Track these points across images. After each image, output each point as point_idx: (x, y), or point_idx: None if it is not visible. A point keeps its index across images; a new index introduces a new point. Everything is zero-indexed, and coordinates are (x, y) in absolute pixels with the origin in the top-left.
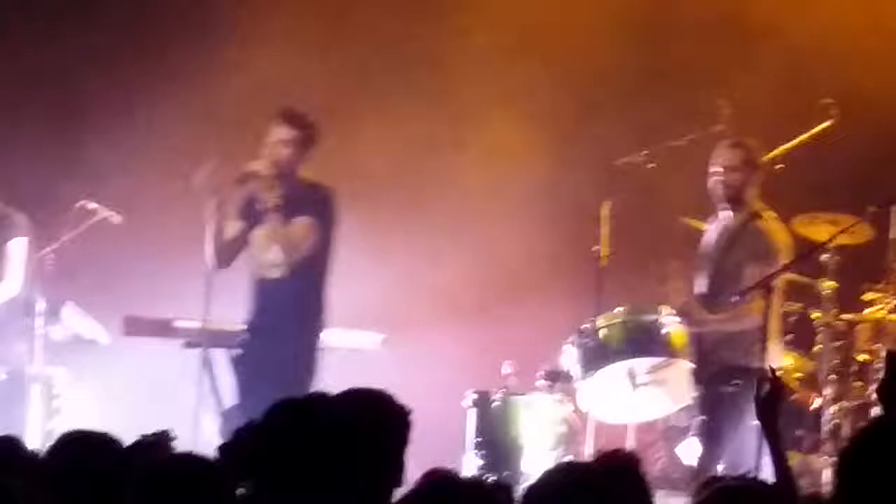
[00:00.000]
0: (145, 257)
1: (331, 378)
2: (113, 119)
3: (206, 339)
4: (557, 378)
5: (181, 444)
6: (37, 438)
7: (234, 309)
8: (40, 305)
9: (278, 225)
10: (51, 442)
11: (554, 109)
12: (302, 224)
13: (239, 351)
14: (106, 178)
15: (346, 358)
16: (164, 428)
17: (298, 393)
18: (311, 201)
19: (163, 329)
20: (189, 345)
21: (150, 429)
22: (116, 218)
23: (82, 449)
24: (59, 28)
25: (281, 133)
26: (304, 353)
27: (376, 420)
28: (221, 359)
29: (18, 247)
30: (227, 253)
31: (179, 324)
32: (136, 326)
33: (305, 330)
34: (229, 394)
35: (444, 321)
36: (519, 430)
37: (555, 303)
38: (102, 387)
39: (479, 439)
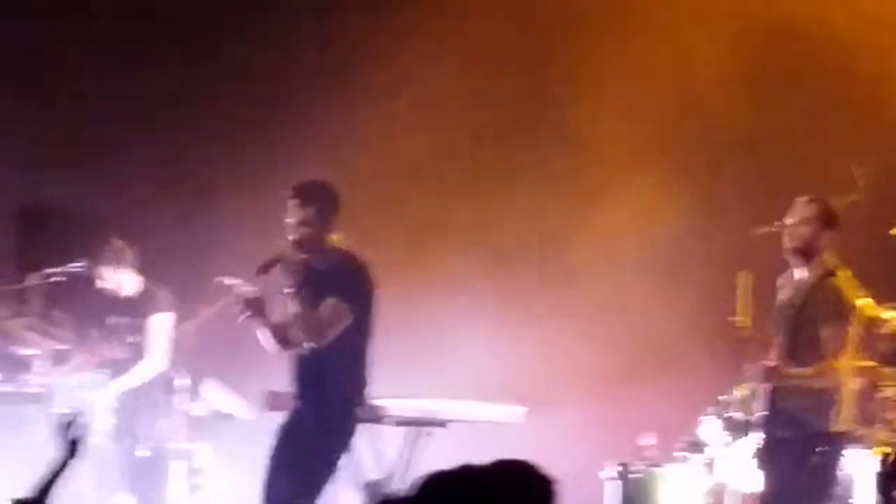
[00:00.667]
0: None
1: (471, 451)
2: (246, 202)
3: None
4: (697, 449)
5: None
6: None
7: (376, 383)
8: (182, 381)
9: (302, 310)
10: None
11: (690, 174)
12: (327, 307)
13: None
14: (243, 255)
15: (486, 431)
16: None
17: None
18: (337, 278)
19: None
20: None
21: None
22: (254, 293)
23: None
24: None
25: (296, 212)
26: (320, 425)
27: (523, 490)
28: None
29: (162, 323)
30: (279, 336)
31: None
32: (279, 401)
33: (322, 403)
34: (369, 466)
35: (581, 392)
36: (659, 501)
37: (694, 374)
38: (244, 462)
39: None
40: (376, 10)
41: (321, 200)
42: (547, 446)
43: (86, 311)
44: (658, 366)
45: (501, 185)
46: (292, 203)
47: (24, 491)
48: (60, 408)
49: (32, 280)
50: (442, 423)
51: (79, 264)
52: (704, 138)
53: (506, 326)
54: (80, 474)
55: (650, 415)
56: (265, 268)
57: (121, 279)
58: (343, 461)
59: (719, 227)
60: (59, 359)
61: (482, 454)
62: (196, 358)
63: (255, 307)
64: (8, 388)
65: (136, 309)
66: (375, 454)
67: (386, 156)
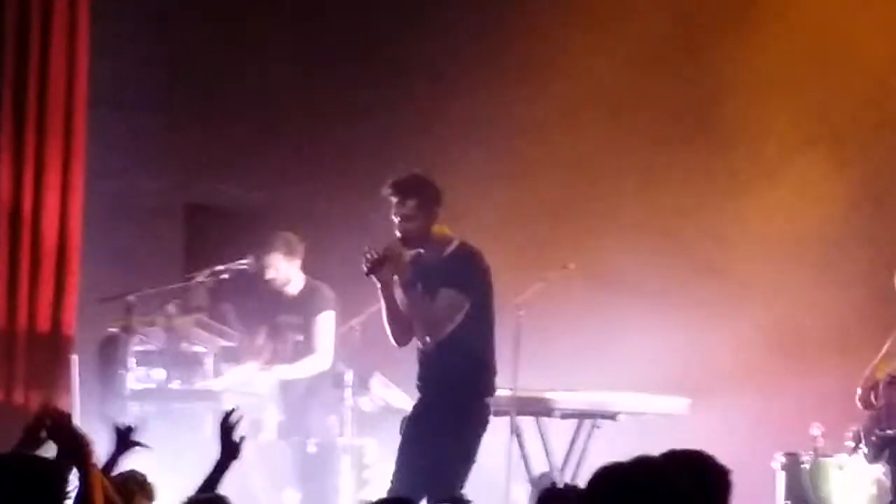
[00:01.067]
0: None
1: (638, 444)
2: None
3: (515, 406)
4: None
5: None
6: None
7: (542, 376)
8: (349, 377)
9: (416, 304)
10: None
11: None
12: (442, 299)
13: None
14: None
15: (652, 423)
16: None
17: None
18: (448, 269)
19: None
20: (497, 413)
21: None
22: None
23: None
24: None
25: (397, 208)
26: (449, 417)
27: (699, 481)
28: (531, 427)
29: (327, 320)
30: (397, 331)
31: None
32: None
33: (450, 396)
34: (537, 460)
35: (748, 383)
36: (830, 491)
37: (863, 362)
38: None
39: (789, 501)
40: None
41: (420, 193)
42: (714, 437)
43: (255, 308)
44: (826, 356)
45: (665, 181)
46: (392, 200)
47: (192, 489)
48: (229, 405)
49: (200, 277)
50: (610, 416)
51: (245, 261)
52: (860, 124)
53: (671, 319)
54: (249, 470)
55: (818, 405)
56: (374, 267)
57: (290, 273)
58: (507, 454)
59: (883, 216)
60: (227, 356)
61: (649, 446)
62: (362, 354)
63: (379, 263)
64: (177, 385)
65: (302, 307)
66: (544, 447)
67: (558, 149)
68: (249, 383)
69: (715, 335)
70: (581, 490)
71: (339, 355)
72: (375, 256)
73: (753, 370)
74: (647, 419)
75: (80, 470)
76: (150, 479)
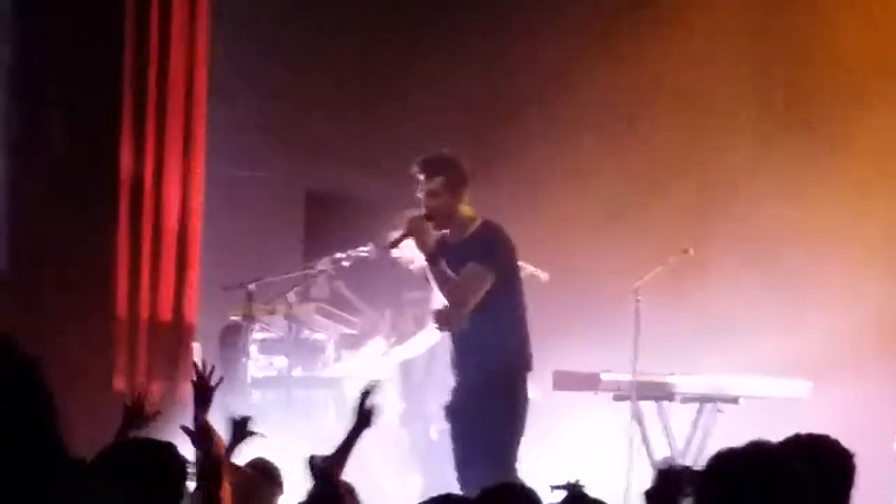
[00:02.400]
0: (573, 311)
1: (759, 427)
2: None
3: (636, 391)
4: None
5: (614, 499)
6: None
7: (663, 360)
8: None
9: (441, 279)
10: None
11: None
12: (466, 272)
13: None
14: (536, 236)
15: (773, 406)
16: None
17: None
18: (473, 246)
19: (592, 383)
20: (618, 397)
21: (582, 481)
22: (544, 275)
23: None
24: None
25: (424, 184)
26: (486, 393)
27: (822, 466)
28: (651, 411)
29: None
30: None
31: (608, 377)
32: (566, 381)
33: (483, 373)
34: (659, 443)
35: (869, 366)
36: None
37: None
38: (532, 442)
39: None
40: None
41: (447, 171)
42: (836, 421)
43: (377, 291)
44: None
45: (779, 167)
46: (419, 177)
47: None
48: (350, 392)
49: (321, 265)
50: (731, 400)
51: (366, 248)
52: None
53: (792, 302)
54: (369, 455)
55: None
56: (395, 243)
57: (416, 251)
58: (629, 439)
59: None
60: (349, 343)
61: (770, 430)
62: None
63: (402, 238)
64: (298, 373)
65: (426, 283)
66: (665, 431)
67: (674, 134)
68: (370, 370)
69: (837, 317)
70: (696, 472)
71: None
72: (400, 232)
73: (876, 352)
74: (769, 402)
75: (204, 454)
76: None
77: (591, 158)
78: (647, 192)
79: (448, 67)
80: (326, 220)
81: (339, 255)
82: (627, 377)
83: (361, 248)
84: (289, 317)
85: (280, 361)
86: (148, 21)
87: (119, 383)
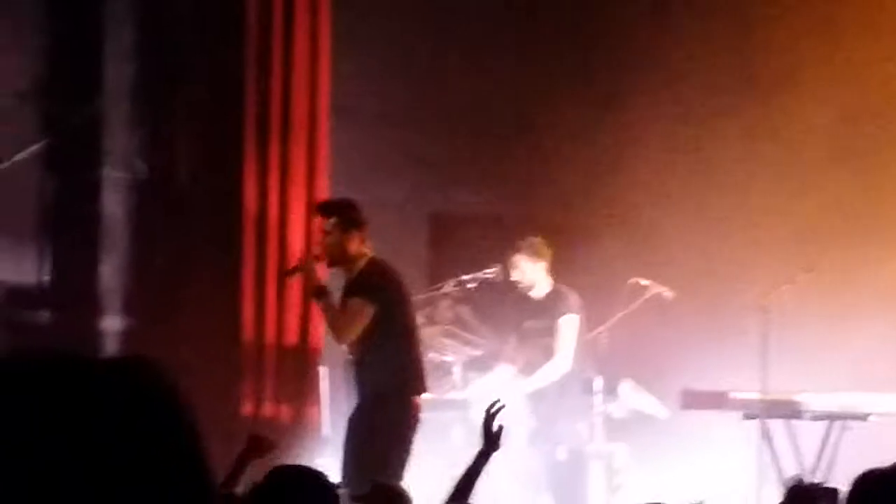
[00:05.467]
0: (699, 330)
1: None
2: (663, 211)
3: (764, 409)
4: None
5: None
6: None
7: (792, 378)
8: (598, 383)
9: (330, 310)
10: None
11: None
12: (349, 307)
13: None
14: (657, 261)
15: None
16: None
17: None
18: (357, 282)
19: (720, 401)
20: (747, 416)
21: (709, 501)
22: (669, 294)
23: None
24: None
25: (320, 223)
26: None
27: None
28: (781, 429)
29: (570, 324)
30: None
31: (736, 395)
32: (694, 399)
33: (371, 395)
34: (788, 462)
35: None
36: None
37: None
38: (660, 460)
39: None
40: None
41: (340, 213)
42: None
43: (502, 315)
44: None
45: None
46: (318, 218)
47: (444, 492)
48: (478, 413)
49: (446, 288)
50: (861, 417)
51: (491, 270)
52: None
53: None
54: (498, 477)
55: None
56: (287, 272)
57: (536, 276)
58: (758, 457)
59: None
60: (475, 365)
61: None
62: (611, 360)
63: (292, 271)
64: (427, 395)
65: (548, 311)
66: (794, 450)
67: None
68: (498, 392)
69: None
70: (828, 489)
71: (587, 361)
72: (293, 265)
73: None
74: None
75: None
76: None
77: (724, 174)
78: (775, 207)
79: (569, 93)
80: (451, 243)
81: (464, 277)
82: (756, 395)
83: (487, 271)
84: None
85: None
86: (270, 48)
87: (247, 408)
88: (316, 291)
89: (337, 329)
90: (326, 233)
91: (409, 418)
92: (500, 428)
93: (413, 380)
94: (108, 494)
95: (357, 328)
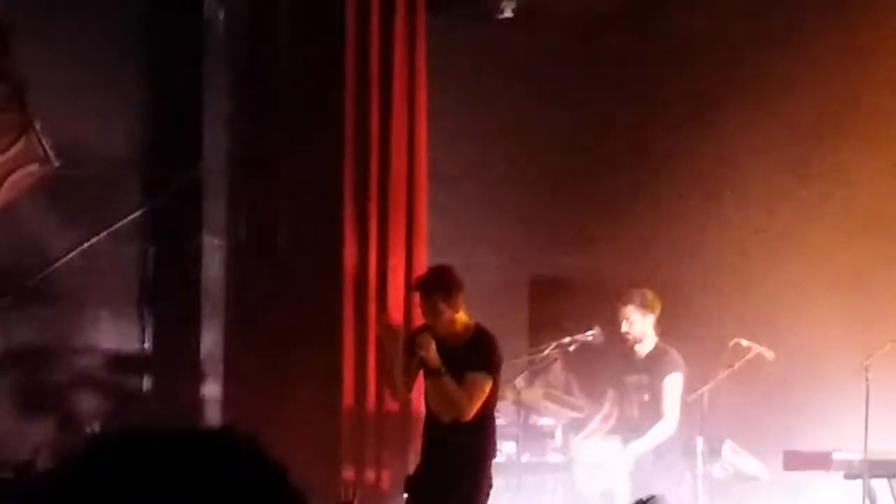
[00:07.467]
0: (801, 389)
1: None
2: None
3: (867, 469)
4: None
5: None
6: None
7: (894, 438)
8: (699, 444)
9: (444, 384)
10: None
11: None
12: (473, 383)
13: None
14: (755, 320)
15: None
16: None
17: None
18: (474, 354)
19: (822, 461)
20: (849, 476)
21: None
22: (770, 354)
23: None
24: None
25: (423, 302)
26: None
27: None
28: (884, 489)
29: (675, 383)
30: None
31: (839, 455)
32: (796, 460)
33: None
34: None
35: None
36: None
37: None
38: None
39: None
40: None
41: (440, 286)
42: None
43: (603, 371)
44: None
45: None
46: (417, 294)
47: None
48: (580, 477)
49: (547, 350)
50: None
51: (592, 332)
52: None
53: None
54: None
55: None
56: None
57: (644, 329)
58: None
59: None
60: (576, 427)
61: None
62: (711, 420)
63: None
64: (527, 458)
65: (651, 368)
66: None
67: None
68: (599, 454)
69: None
70: None
71: (688, 422)
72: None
73: None
74: None
75: None
76: None
77: (820, 231)
78: (871, 263)
79: (663, 146)
80: (551, 305)
81: (565, 339)
82: (859, 455)
83: (588, 333)
84: (517, 402)
85: (509, 447)
86: (369, 112)
87: (348, 474)
88: (436, 370)
89: (462, 407)
90: (438, 312)
91: (490, 481)
92: None
93: (495, 444)
94: None
95: (477, 404)
